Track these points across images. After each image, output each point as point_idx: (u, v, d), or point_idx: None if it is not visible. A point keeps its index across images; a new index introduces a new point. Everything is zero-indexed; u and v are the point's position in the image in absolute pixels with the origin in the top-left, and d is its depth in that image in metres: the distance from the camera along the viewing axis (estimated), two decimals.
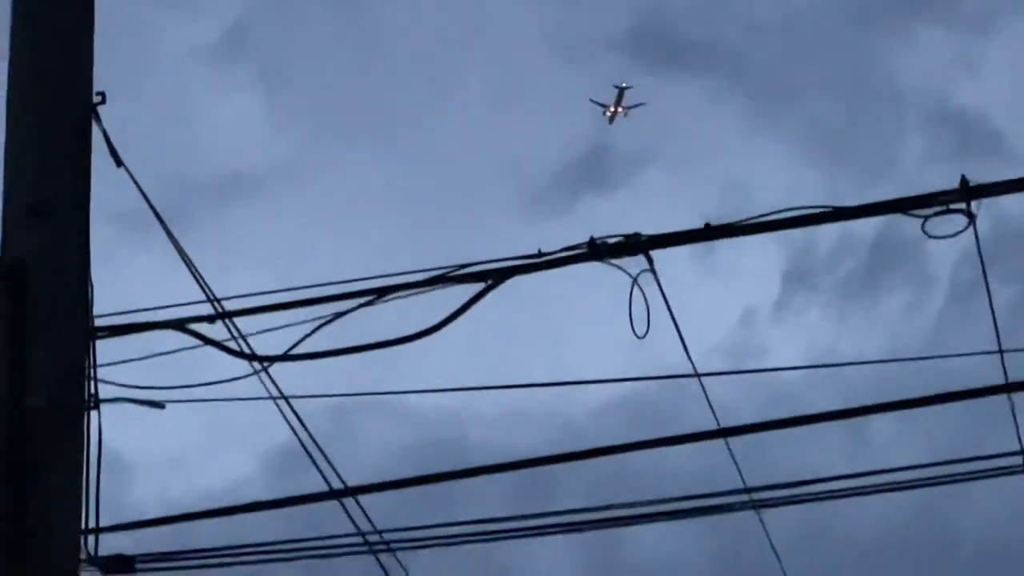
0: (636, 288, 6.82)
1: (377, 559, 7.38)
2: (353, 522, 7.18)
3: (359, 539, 7.26)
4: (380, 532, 7.26)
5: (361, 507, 7.19)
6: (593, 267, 6.86)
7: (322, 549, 7.20)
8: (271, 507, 7.10)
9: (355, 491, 7.15)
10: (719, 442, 7.33)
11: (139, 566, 6.94)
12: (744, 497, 7.13)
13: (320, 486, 7.22)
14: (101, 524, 6.70)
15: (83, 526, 6.53)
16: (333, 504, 7.26)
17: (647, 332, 6.85)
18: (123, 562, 6.89)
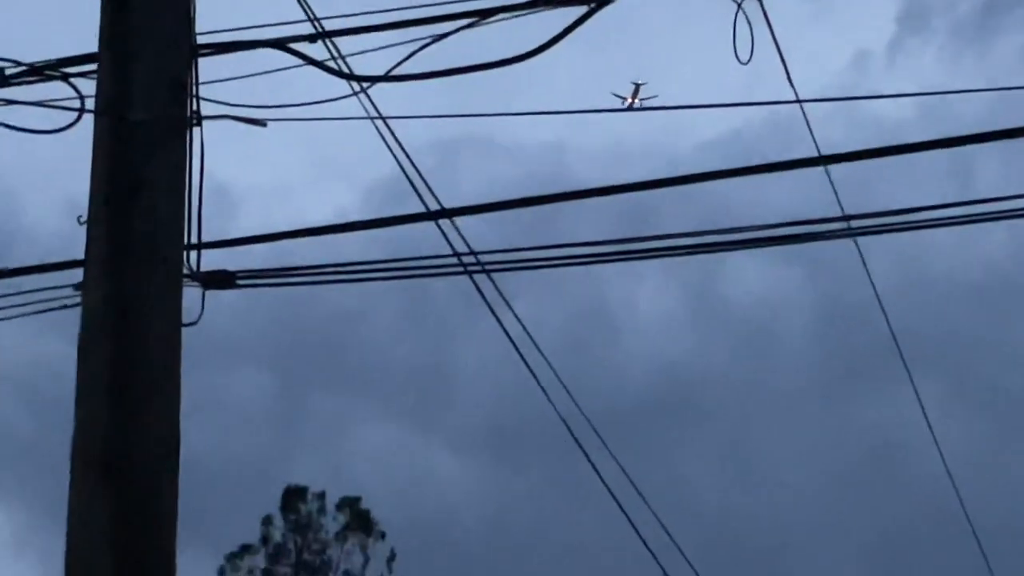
0: (741, 13, 6.71)
1: (472, 280, 7.41)
2: (449, 243, 7.20)
3: (455, 260, 7.28)
4: (476, 254, 7.28)
5: (457, 229, 7.20)
6: None
7: (419, 269, 7.23)
8: (368, 227, 7.13)
9: (452, 212, 7.16)
10: (821, 180, 7.25)
11: (239, 282, 7.02)
12: (842, 224, 7.04)
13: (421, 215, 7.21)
14: (203, 241, 6.77)
15: (186, 242, 6.61)
16: (431, 232, 7.27)
17: (751, 58, 6.76)
18: (224, 278, 6.97)
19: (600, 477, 9.60)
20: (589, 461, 9.33)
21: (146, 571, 6.17)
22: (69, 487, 6.29)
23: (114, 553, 6.14)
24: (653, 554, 10.68)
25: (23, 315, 7.23)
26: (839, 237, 7.05)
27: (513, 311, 7.63)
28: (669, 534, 10.95)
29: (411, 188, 7.19)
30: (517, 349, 7.74)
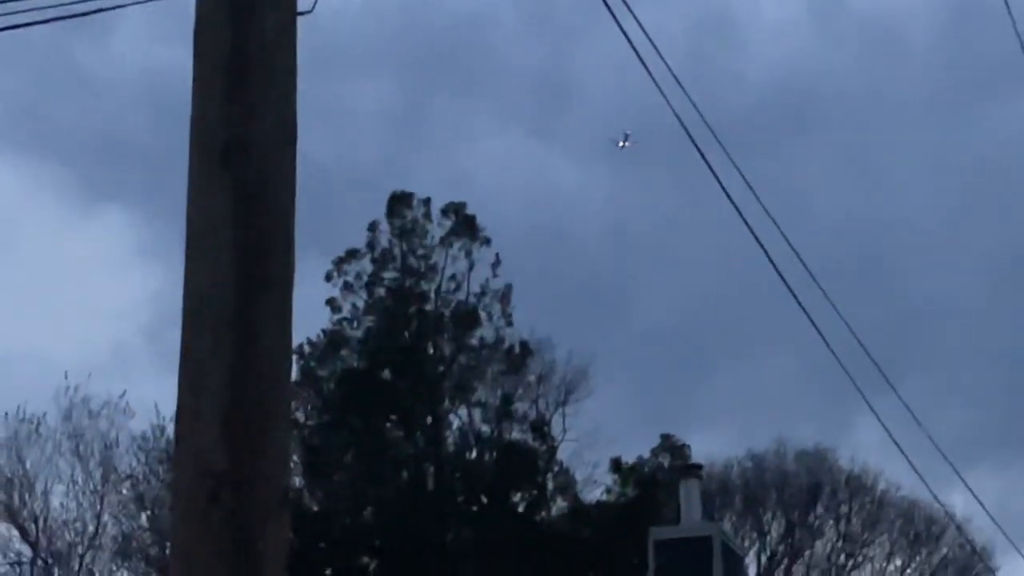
0: None
1: None
2: None
3: None
4: None
5: None
6: None
7: None
8: None
9: None
10: None
11: None
12: None
13: None
14: None
15: None
16: None
17: None
18: None
19: (719, 182, 9.58)
20: (708, 166, 9.29)
21: (266, 255, 6.18)
22: (188, 178, 6.29)
23: (234, 239, 6.14)
24: (772, 260, 10.69)
25: (139, 2, 7.24)
26: None
27: (631, 10, 7.54)
28: (787, 240, 10.95)
29: None
30: (637, 52, 7.69)
